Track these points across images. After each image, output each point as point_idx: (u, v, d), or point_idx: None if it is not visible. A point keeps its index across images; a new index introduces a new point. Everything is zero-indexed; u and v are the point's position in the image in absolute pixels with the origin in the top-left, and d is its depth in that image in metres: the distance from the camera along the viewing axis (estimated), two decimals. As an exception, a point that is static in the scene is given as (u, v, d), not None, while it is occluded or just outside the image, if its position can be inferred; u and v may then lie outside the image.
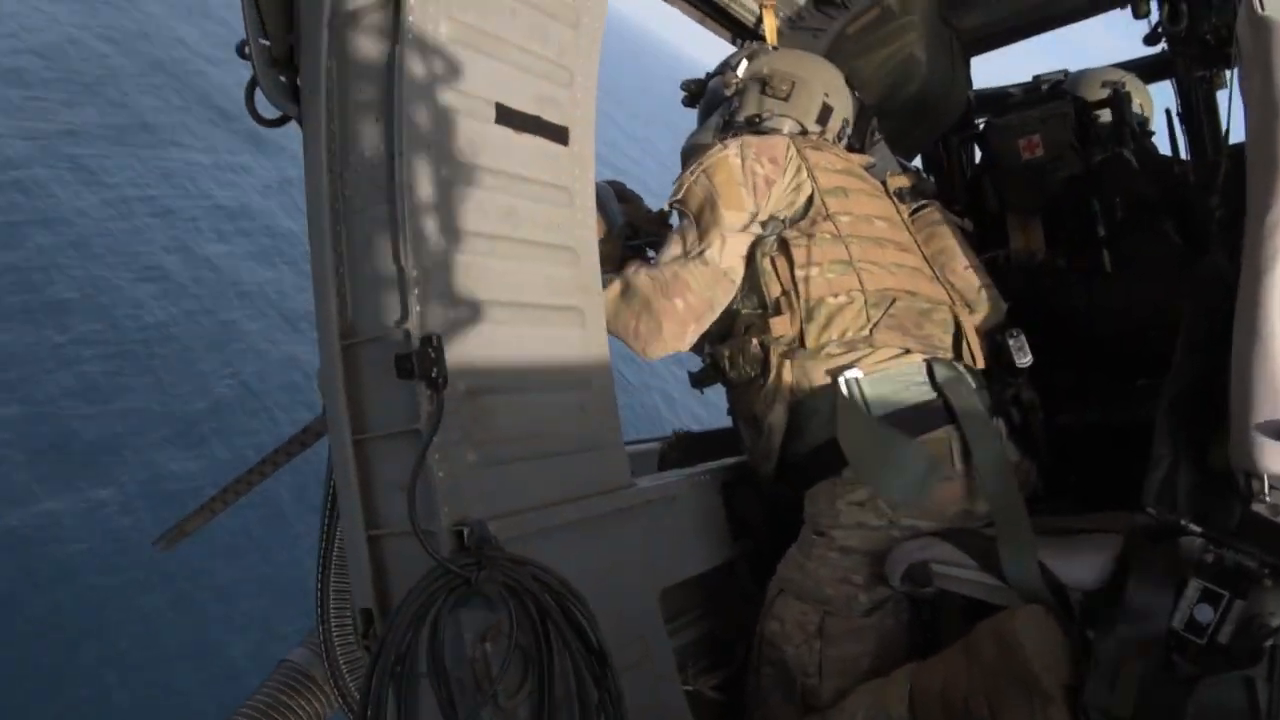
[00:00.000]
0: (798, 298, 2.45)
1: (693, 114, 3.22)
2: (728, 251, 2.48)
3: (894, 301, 2.47)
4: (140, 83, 14.80)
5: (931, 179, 3.54)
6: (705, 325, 2.52)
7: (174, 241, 11.61)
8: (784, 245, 2.50)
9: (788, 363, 2.45)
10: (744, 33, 3.89)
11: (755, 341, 2.50)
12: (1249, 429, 1.88)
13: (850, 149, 2.93)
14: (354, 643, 2.13)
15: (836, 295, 2.45)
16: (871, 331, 2.42)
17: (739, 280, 2.52)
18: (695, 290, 2.45)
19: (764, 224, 2.53)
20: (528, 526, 1.86)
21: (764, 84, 2.87)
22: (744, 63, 3.00)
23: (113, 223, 11.10)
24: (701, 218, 2.49)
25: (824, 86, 2.89)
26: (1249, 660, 1.89)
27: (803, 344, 2.44)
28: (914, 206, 2.90)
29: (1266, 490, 1.91)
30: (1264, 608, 1.84)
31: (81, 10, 15.93)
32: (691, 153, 2.87)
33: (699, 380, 2.73)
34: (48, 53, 13.77)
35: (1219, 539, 1.88)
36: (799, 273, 2.46)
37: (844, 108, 2.93)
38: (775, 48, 3.22)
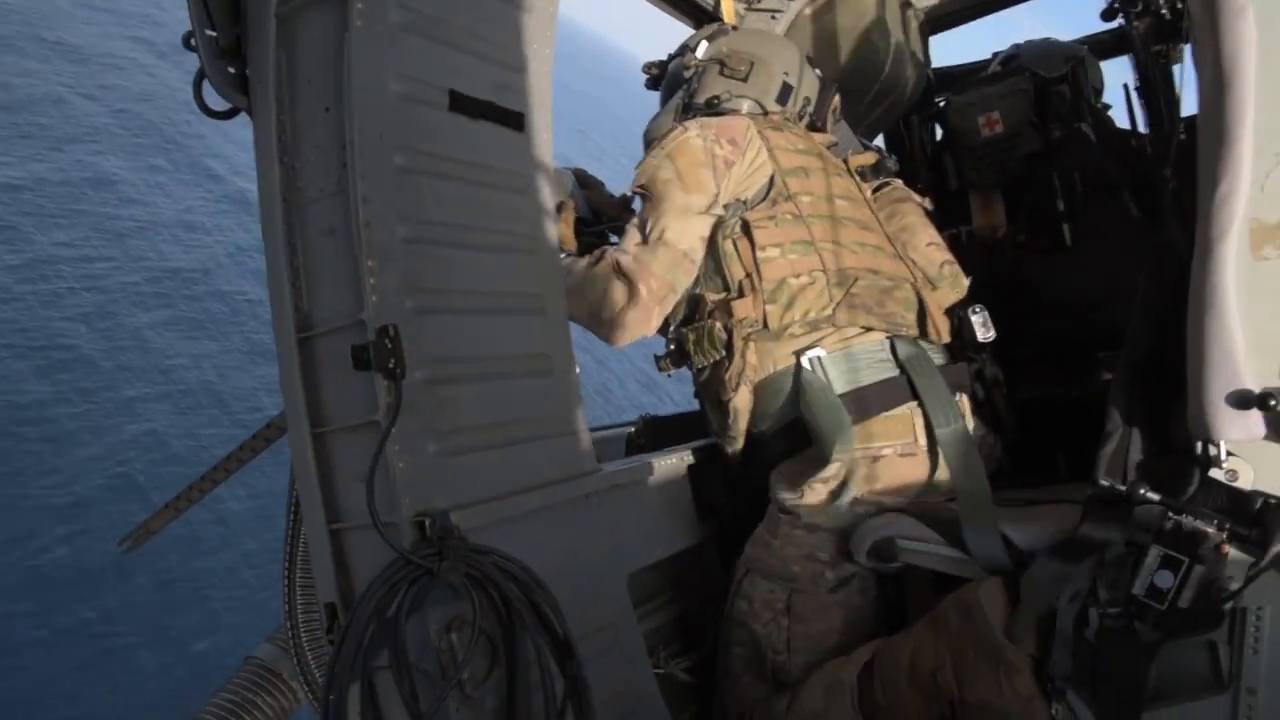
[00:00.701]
0: (760, 279, 2.44)
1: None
2: (689, 233, 2.46)
3: (856, 281, 2.47)
4: (124, 142, 14.01)
5: (894, 158, 3.58)
6: (669, 307, 2.51)
7: (99, 308, 10.28)
8: (746, 227, 2.49)
9: (751, 345, 2.45)
10: (703, 17, 3.88)
11: (719, 324, 2.49)
12: (1205, 397, 1.90)
13: (813, 127, 2.91)
14: (321, 638, 2.13)
15: (798, 276, 2.44)
16: (834, 311, 2.42)
17: (699, 261, 2.51)
18: (657, 274, 2.43)
19: (725, 206, 2.51)
20: (491, 516, 1.85)
21: (722, 65, 2.84)
22: (703, 44, 2.97)
23: (25, 285, 9.88)
24: (663, 201, 2.47)
25: (783, 65, 2.86)
26: (1210, 624, 1.92)
27: (766, 325, 2.43)
28: (876, 184, 2.89)
29: (1224, 456, 1.94)
30: (1223, 572, 1.87)
31: (80, 71, 15.29)
32: (653, 135, 2.85)
33: (664, 363, 2.72)
34: (19, 107, 13.05)
35: (1177, 506, 1.90)
36: (760, 254, 2.45)
37: (805, 86, 2.90)
38: (735, 28, 3.18)
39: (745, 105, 2.80)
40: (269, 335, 1.92)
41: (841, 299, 2.43)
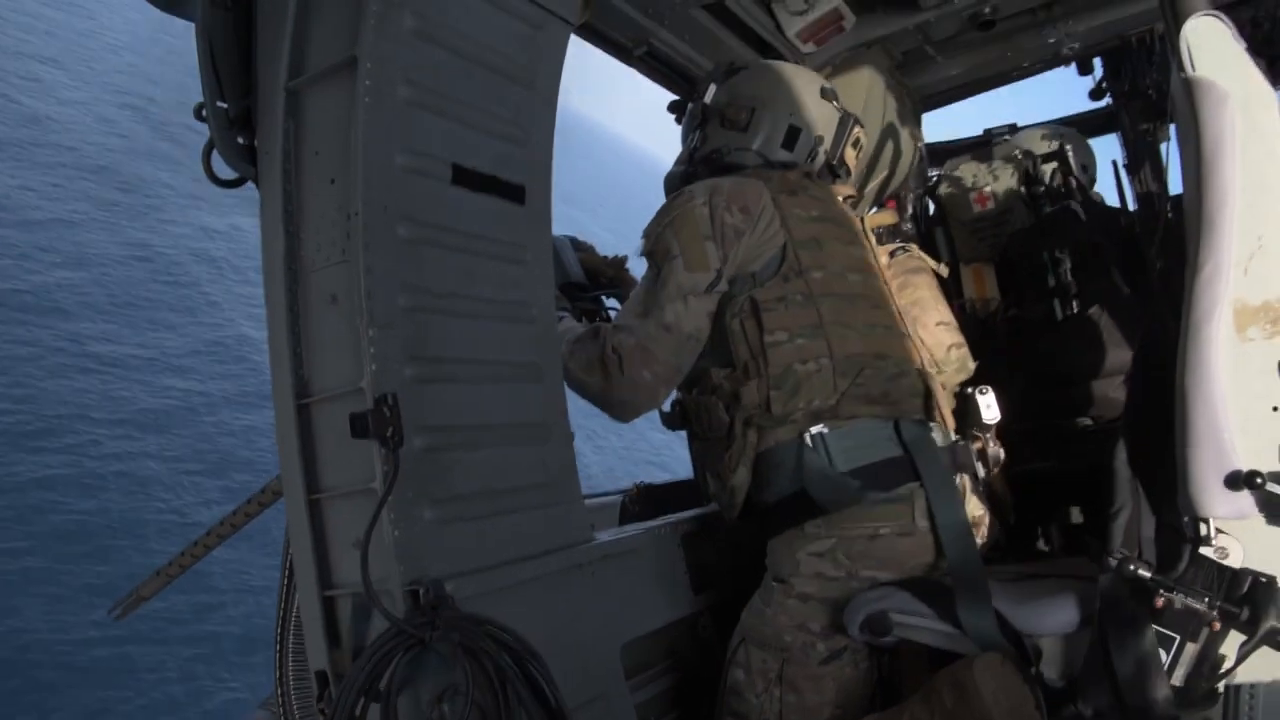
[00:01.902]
0: (765, 364, 2.37)
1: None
2: (693, 315, 2.39)
3: (862, 370, 2.40)
4: (109, 276, 12.70)
5: (909, 225, 3.54)
6: (676, 384, 2.48)
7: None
8: (755, 308, 2.41)
9: (752, 429, 2.40)
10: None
11: (721, 405, 2.44)
12: (1194, 475, 1.92)
13: (830, 168, 2.78)
14: (313, 706, 2.10)
15: (805, 362, 2.36)
16: (838, 401, 2.37)
17: (705, 339, 2.44)
18: (660, 359, 2.38)
19: (732, 280, 2.44)
20: (486, 585, 1.85)
21: (722, 115, 2.74)
22: (711, 88, 2.82)
23: None
24: (668, 280, 2.40)
25: (789, 106, 2.71)
26: (1203, 702, 1.91)
27: (768, 410, 2.37)
28: (892, 249, 2.79)
29: (1213, 534, 1.95)
30: (1215, 649, 1.87)
31: (113, 202, 14.35)
32: (669, 186, 2.79)
33: (669, 423, 2.69)
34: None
35: (1168, 584, 1.91)
36: (768, 338, 2.38)
37: (818, 124, 2.73)
38: (746, 68, 2.92)
39: (748, 158, 2.68)
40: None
41: (847, 389, 2.37)
